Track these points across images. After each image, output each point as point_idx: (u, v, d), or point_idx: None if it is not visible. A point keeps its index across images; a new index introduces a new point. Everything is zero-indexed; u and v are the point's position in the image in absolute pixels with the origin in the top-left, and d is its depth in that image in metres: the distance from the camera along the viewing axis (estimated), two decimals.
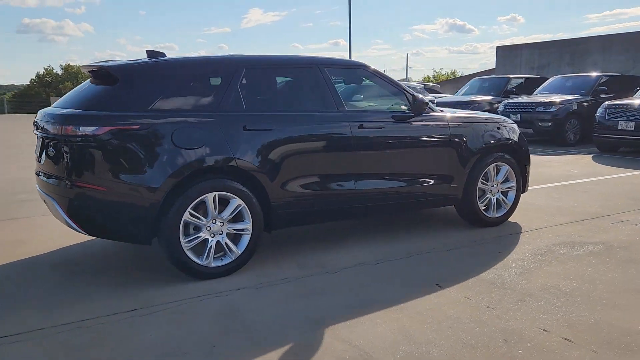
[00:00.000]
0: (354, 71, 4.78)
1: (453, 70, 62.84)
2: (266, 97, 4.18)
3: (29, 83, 62.26)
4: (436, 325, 3.01)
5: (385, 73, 4.89)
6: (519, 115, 13.09)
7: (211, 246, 3.76)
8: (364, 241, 4.66)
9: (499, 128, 5.17)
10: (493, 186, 5.12)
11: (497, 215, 5.16)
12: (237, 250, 3.86)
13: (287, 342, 2.84)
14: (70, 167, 3.51)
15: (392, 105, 4.71)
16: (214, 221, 3.77)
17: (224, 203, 3.80)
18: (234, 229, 3.86)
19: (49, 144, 3.63)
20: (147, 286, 3.65)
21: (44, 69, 63.44)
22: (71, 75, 62.19)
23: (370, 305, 3.30)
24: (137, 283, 3.71)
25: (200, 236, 3.73)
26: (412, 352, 2.72)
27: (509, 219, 5.32)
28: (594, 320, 3.07)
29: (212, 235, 3.78)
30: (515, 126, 5.37)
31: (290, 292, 3.54)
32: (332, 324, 3.04)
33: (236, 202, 3.81)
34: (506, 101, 13.86)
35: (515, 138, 5.24)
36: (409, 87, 5.89)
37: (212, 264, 3.78)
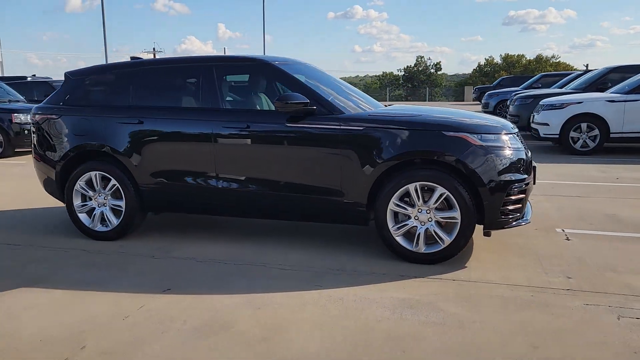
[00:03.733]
0: (249, 68, 4.58)
1: None
2: (153, 95, 4.67)
3: (470, 73, 67.93)
4: (52, 316, 3.25)
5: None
6: None
7: (95, 214, 4.75)
8: (251, 243, 4.57)
9: (436, 137, 3.90)
10: (421, 212, 3.96)
11: (423, 251, 3.96)
12: (115, 222, 4.70)
13: None
14: (33, 143, 5.13)
15: None
16: (100, 195, 4.73)
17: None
18: (113, 204, 4.71)
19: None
20: (36, 234, 4.96)
21: (485, 59, 67.85)
22: (509, 64, 64.35)
23: (84, 285, 3.69)
24: (32, 232, 5.05)
25: (88, 204, 4.77)
26: None
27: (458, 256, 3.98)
28: None
29: (98, 205, 4.75)
30: (477, 138, 3.86)
31: (83, 263, 4.16)
32: (27, 287, 3.66)
33: (112, 181, 4.64)
34: None
35: (461, 153, 3.81)
36: None
37: (97, 229, 4.76)
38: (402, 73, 70.14)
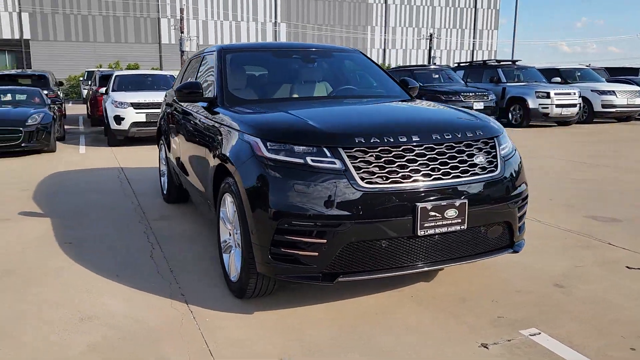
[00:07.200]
0: (208, 57, 4.39)
1: None
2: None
3: None
4: None
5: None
6: None
7: (162, 183, 5.79)
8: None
9: (237, 139, 3.10)
10: (234, 231, 3.25)
11: (231, 278, 3.26)
12: (165, 191, 5.63)
13: None
14: None
15: None
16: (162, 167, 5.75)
17: None
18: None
19: None
20: (154, 193, 6.21)
21: None
22: None
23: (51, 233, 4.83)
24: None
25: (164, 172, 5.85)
26: None
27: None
28: None
29: (162, 176, 5.77)
30: (266, 147, 2.82)
31: (105, 216, 5.12)
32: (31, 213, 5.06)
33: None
34: None
35: (240, 163, 2.94)
36: None
37: (164, 192, 5.78)
38: None
